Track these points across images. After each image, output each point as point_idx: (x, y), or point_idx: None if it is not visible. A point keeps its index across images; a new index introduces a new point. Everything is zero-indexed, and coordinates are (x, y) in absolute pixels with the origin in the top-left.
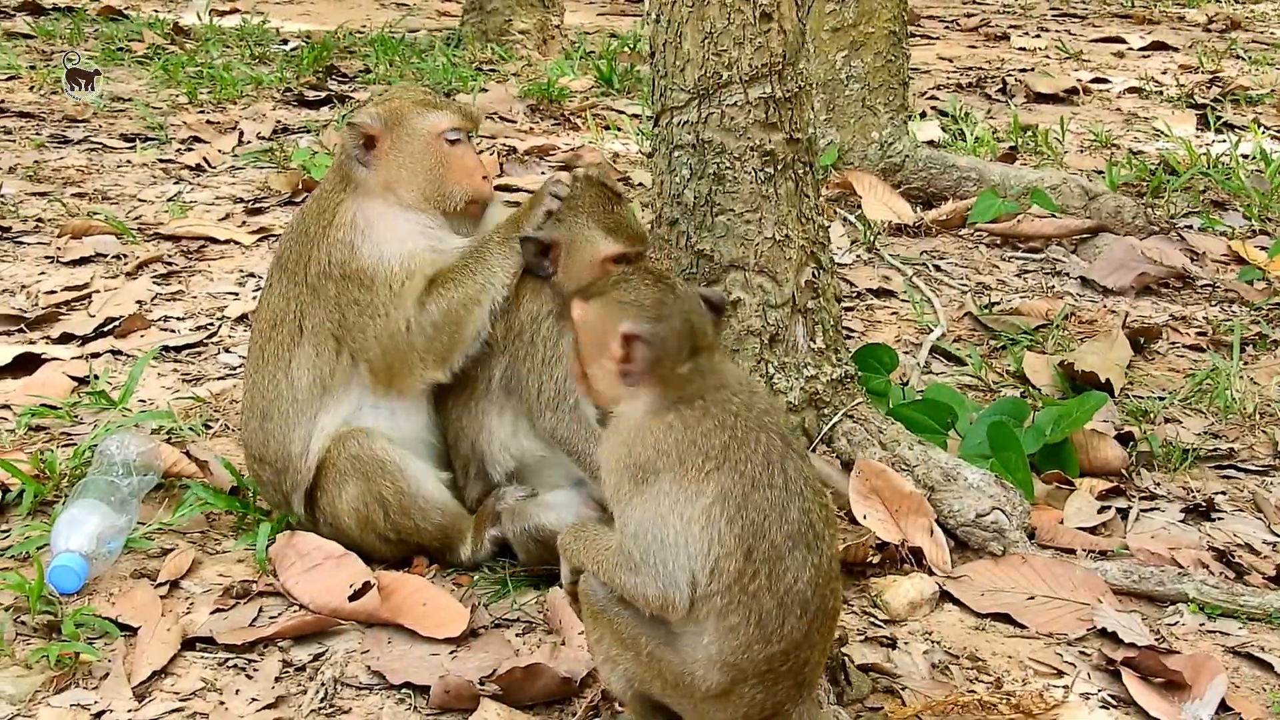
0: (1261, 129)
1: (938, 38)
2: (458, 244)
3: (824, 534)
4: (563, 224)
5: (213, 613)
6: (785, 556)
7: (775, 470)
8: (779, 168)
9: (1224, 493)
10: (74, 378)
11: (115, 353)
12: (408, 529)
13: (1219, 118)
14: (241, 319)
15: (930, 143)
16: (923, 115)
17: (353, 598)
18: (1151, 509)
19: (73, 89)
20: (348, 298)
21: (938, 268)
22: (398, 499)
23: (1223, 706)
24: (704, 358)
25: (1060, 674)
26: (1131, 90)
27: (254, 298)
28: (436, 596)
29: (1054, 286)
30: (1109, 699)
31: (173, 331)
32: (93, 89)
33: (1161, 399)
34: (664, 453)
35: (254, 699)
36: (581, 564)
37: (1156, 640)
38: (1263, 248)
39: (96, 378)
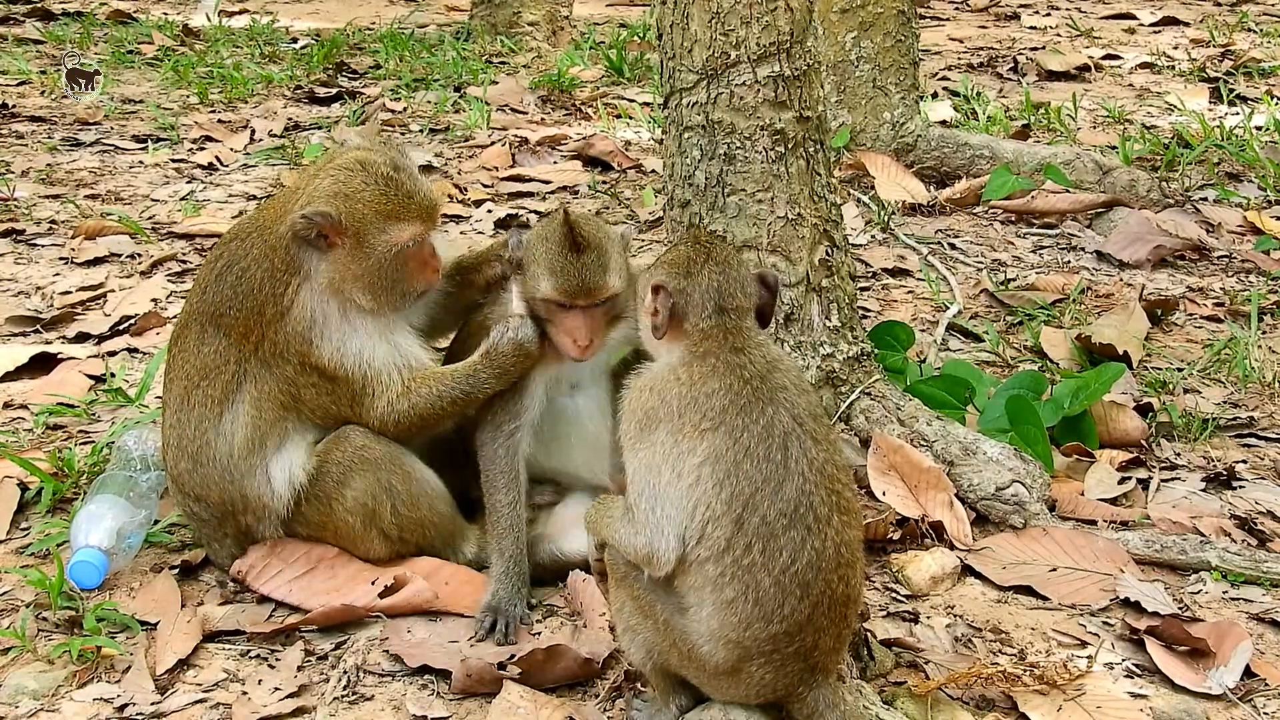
0: (1275, 100)
1: (948, 19)
2: (415, 348)
3: (829, 518)
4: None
5: (223, 604)
6: (780, 535)
7: (774, 446)
8: (789, 146)
9: (1244, 461)
10: (91, 376)
11: (131, 351)
12: (412, 522)
13: (1232, 90)
14: None
15: (943, 123)
16: (934, 96)
17: (384, 594)
18: (1172, 479)
19: (72, 89)
20: (306, 380)
21: (953, 246)
22: (406, 486)
23: (1247, 673)
24: (729, 319)
25: (1084, 644)
26: (1143, 66)
27: None
28: (455, 573)
29: (1070, 261)
30: (1133, 668)
31: None
32: (93, 89)
33: (1180, 370)
34: (666, 403)
35: (277, 688)
36: (600, 532)
37: (1180, 609)
38: (1278, 218)
39: (113, 375)
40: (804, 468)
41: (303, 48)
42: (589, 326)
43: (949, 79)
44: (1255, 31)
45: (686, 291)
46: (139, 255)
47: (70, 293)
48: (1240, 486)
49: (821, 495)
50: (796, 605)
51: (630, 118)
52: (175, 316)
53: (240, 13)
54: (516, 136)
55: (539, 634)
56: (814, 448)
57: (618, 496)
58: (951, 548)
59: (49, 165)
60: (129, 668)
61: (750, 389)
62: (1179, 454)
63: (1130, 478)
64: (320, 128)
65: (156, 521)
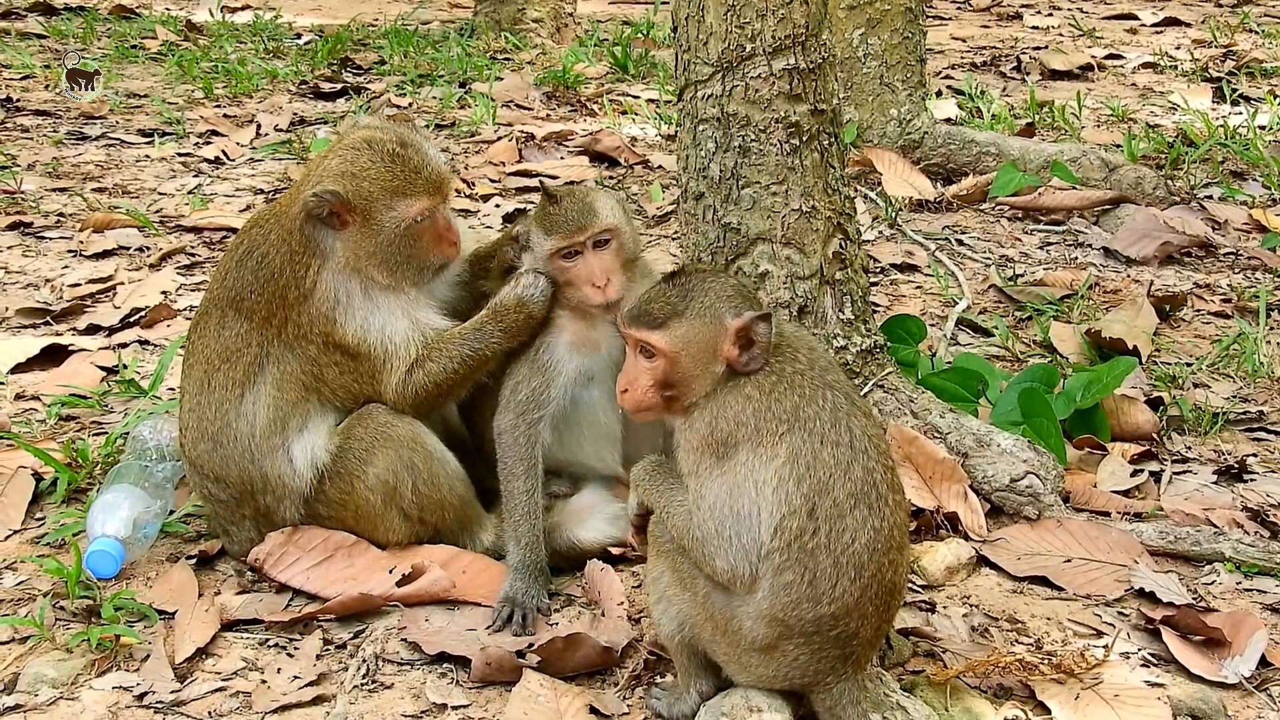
0: (1278, 100)
1: (950, 18)
2: (436, 320)
3: (887, 497)
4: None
5: (240, 593)
6: (846, 515)
7: (840, 428)
8: (804, 139)
9: (1255, 454)
10: (102, 368)
11: (142, 343)
12: (432, 502)
13: (1234, 90)
14: None
15: (947, 120)
16: (939, 94)
17: (401, 582)
18: (1184, 472)
19: (72, 89)
20: (329, 359)
21: (960, 242)
22: (427, 465)
23: (1263, 662)
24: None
25: (1100, 634)
26: (1146, 65)
27: None
28: (472, 562)
29: (1077, 257)
30: (1150, 657)
31: None
32: (93, 89)
33: (1189, 365)
34: (743, 424)
35: (296, 677)
36: (652, 505)
37: (1194, 599)
38: None
39: (125, 367)
40: (865, 445)
41: (307, 43)
42: (601, 266)
43: (953, 77)
44: (1257, 32)
45: (767, 310)
46: (148, 248)
47: (79, 285)
48: (1251, 479)
49: (881, 472)
50: (849, 587)
51: (636, 114)
52: (186, 309)
53: (243, 8)
54: (523, 132)
55: (556, 623)
56: (867, 424)
57: (671, 469)
58: (966, 538)
59: (55, 159)
60: (148, 656)
61: (807, 379)
62: (1190, 447)
63: (1142, 470)
64: (326, 123)
65: (172, 512)
